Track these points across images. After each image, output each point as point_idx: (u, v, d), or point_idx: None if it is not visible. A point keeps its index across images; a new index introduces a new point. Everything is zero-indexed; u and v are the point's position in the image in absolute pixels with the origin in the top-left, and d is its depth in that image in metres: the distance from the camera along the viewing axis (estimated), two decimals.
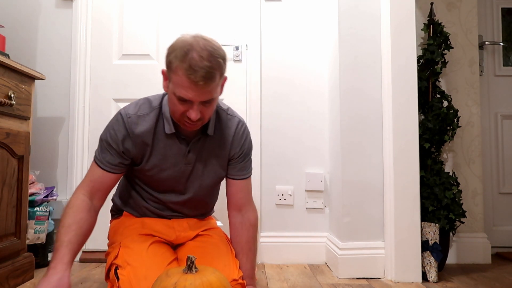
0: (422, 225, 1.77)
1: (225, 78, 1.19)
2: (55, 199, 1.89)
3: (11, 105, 1.50)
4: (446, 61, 1.97)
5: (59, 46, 2.13)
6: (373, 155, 1.80)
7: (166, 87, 1.17)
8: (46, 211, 1.80)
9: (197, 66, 1.04)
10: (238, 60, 2.14)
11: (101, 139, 1.22)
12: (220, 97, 2.07)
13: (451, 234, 1.95)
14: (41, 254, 1.83)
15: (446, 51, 1.97)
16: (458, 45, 2.09)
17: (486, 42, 2.31)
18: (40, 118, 2.11)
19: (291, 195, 2.09)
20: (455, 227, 1.84)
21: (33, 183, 1.82)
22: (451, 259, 2.00)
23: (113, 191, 1.45)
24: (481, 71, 2.29)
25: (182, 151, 1.24)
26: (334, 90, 1.94)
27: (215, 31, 2.14)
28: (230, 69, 2.14)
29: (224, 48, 2.13)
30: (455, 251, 2.02)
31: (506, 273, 1.85)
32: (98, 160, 1.21)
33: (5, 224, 1.50)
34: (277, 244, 2.05)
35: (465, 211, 1.87)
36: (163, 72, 1.17)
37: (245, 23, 2.15)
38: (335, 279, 1.73)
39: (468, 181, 2.06)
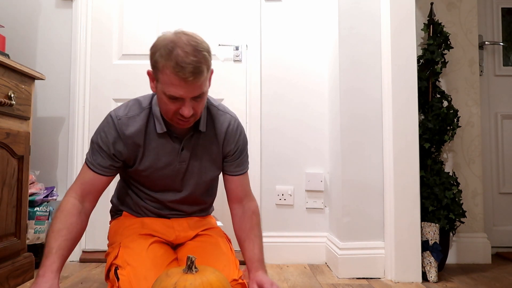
0: (422, 225, 1.77)
1: (212, 71, 1.18)
2: (55, 199, 1.88)
3: (11, 105, 1.50)
4: (446, 61, 1.97)
5: (59, 46, 2.13)
6: (373, 155, 1.80)
7: (154, 87, 1.16)
8: (46, 211, 1.80)
9: (184, 63, 1.03)
10: (238, 60, 2.14)
11: (92, 142, 1.22)
12: (220, 97, 2.11)
13: (451, 234, 1.95)
14: (41, 254, 1.80)
15: (446, 51, 1.97)
16: (458, 45, 2.09)
17: (486, 42, 2.31)
18: (40, 118, 2.11)
19: (291, 195, 2.09)
20: (455, 227, 1.84)
21: (33, 183, 1.82)
22: (451, 259, 2.00)
23: (112, 192, 1.45)
24: (481, 71, 2.29)
25: (176, 150, 1.23)
26: (334, 90, 1.94)
27: (215, 31, 2.14)
28: (230, 69, 2.14)
29: (224, 48, 2.16)
30: (455, 251, 2.02)
31: (506, 273, 1.85)
32: (89, 163, 1.21)
33: (5, 224, 1.50)
34: (277, 244, 2.05)
35: (465, 211, 1.88)
36: (149, 74, 1.17)
37: (245, 23, 2.15)
38: (335, 279, 1.74)
39: (468, 181, 2.06)
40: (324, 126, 2.11)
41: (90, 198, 1.21)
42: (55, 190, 1.91)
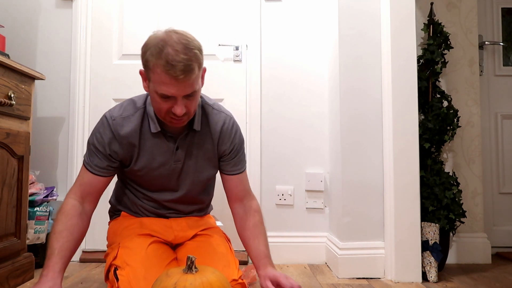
0: (422, 225, 1.77)
1: (205, 69, 1.17)
2: (55, 199, 1.89)
3: (11, 105, 1.50)
4: (446, 61, 1.97)
5: (59, 46, 2.13)
6: (373, 155, 1.80)
7: (146, 87, 1.16)
8: (46, 211, 1.80)
9: (174, 61, 1.03)
10: (238, 60, 2.14)
11: (88, 143, 1.23)
12: (221, 97, 2.11)
13: (451, 234, 1.95)
14: (41, 254, 1.82)
15: (446, 51, 1.97)
16: (458, 45, 2.09)
17: (486, 42, 2.31)
18: (40, 118, 2.11)
19: (291, 195, 2.09)
20: (455, 227, 1.84)
21: (33, 183, 1.82)
22: (451, 259, 2.00)
23: (110, 193, 1.45)
24: (481, 71, 2.29)
25: (170, 149, 1.23)
26: (334, 90, 1.94)
27: (215, 31, 2.14)
28: (230, 69, 2.14)
29: (224, 48, 2.16)
30: (455, 251, 2.02)
31: (506, 273, 1.85)
32: (86, 164, 1.22)
33: (5, 224, 1.50)
34: (277, 244, 2.04)
35: (465, 211, 1.87)
36: (141, 73, 1.17)
37: (245, 23, 2.15)
38: (335, 279, 1.74)
39: (468, 181, 2.06)
40: (324, 126, 2.11)
41: (90, 199, 1.21)
42: (55, 190, 1.91)
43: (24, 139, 1.61)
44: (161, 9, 2.16)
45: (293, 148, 2.11)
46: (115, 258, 1.18)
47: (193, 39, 1.10)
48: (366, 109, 1.81)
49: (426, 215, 1.80)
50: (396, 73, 1.75)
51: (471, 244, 2.03)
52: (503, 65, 2.36)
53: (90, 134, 1.24)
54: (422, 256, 1.73)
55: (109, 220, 1.42)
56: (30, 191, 1.75)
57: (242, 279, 1.21)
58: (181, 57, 1.03)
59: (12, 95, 1.51)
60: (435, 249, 1.72)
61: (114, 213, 1.40)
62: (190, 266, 0.95)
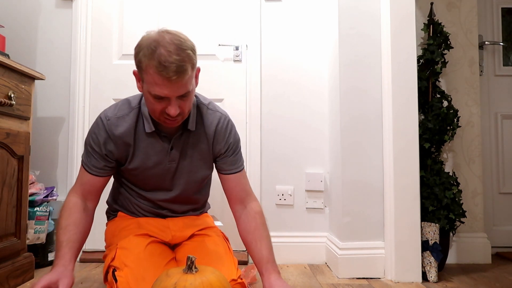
0: (422, 225, 1.77)
1: (199, 69, 1.17)
2: (55, 199, 1.89)
3: (11, 105, 1.50)
4: (446, 61, 1.96)
5: (59, 46, 2.13)
6: (373, 155, 1.80)
7: (140, 87, 1.16)
8: (46, 211, 1.80)
9: (166, 62, 1.02)
10: (238, 60, 2.14)
11: (85, 144, 1.24)
12: (220, 97, 2.11)
13: (451, 234, 1.95)
14: (41, 254, 1.83)
15: (446, 51, 1.97)
16: (458, 45, 2.09)
17: (486, 42, 2.31)
18: (40, 118, 2.11)
19: (291, 195, 2.09)
20: (455, 227, 1.84)
21: (33, 183, 1.82)
22: (451, 259, 2.00)
23: (108, 194, 1.45)
24: (481, 71, 2.29)
25: (165, 149, 1.23)
26: (334, 90, 1.94)
27: (215, 31, 2.14)
28: (230, 69, 2.14)
29: (224, 48, 2.16)
30: (455, 251, 2.02)
31: (506, 273, 1.85)
32: (84, 164, 1.23)
33: (5, 224, 1.50)
34: (277, 244, 2.02)
35: (465, 211, 1.87)
36: (134, 73, 1.16)
37: (245, 23, 2.15)
38: (335, 279, 1.73)
39: (468, 181, 2.06)
40: (324, 126, 2.11)
41: (91, 197, 1.23)
42: (55, 190, 1.91)
43: (24, 139, 1.61)
44: (161, 9, 2.16)
45: (293, 148, 2.11)
46: (113, 259, 1.18)
47: (186, 39, 1.09)
48: (366, 109, 1.81)
49: (426, 215, 1.80)
50: (396, 73, 1.75)
51: (471, 244, 2.03)
52: (503, 65, 2.36)
53: (86, 135, 1.24)
54: (422, 256, 1.73)
55: (106, 221, 1.42)
56: (30, 191, 1.75)
57: (241, 279, 1.21)
58: (173, 58, 1.03)
59: (12, 95, 1.51)
60: (435, 249, 1.72)
61: (111, 214, 1.40)
62: (190, 266, 0.95)
